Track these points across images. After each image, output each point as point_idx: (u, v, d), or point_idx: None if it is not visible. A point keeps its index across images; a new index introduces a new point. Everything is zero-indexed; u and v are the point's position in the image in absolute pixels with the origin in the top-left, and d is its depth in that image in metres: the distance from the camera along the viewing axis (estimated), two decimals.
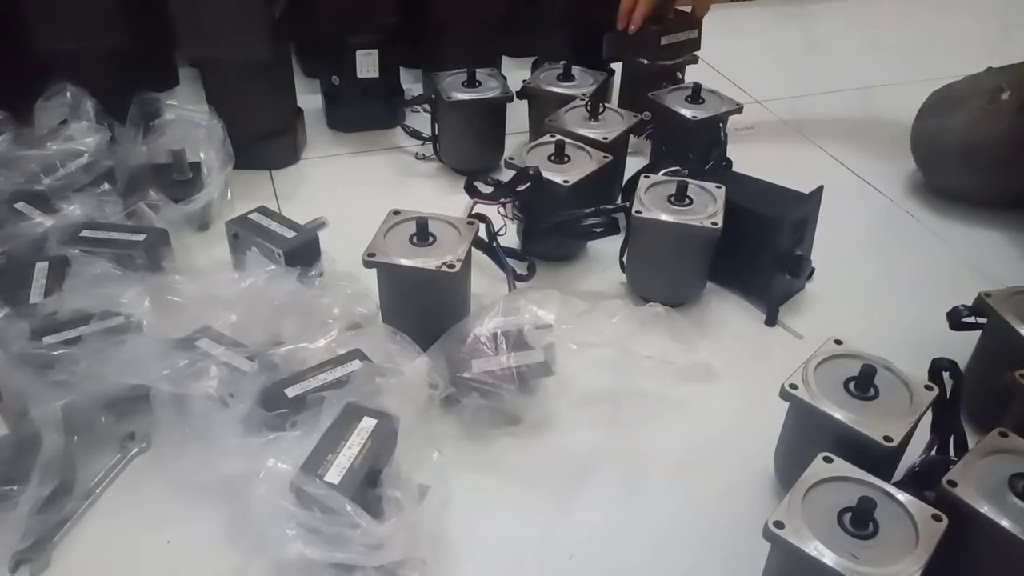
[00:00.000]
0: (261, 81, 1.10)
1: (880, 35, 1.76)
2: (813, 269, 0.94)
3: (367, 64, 1.16)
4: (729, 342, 0.87)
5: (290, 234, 0.87)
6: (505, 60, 1.37)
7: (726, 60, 1.51)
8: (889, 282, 0.99)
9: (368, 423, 0.62)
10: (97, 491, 0.68)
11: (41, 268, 0.81)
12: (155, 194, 0.95)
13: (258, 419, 0.66)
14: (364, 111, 1.23)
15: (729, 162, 1.03)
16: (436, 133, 1.15)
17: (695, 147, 1.00)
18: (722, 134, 1.03)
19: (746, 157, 1.06)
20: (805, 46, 1.71)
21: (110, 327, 0.74)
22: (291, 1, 1.11)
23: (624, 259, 0.93)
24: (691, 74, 1.21)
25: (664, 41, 1.17)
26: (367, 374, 0.67)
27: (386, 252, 0.78)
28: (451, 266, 0.77)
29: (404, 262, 0.77)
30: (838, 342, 0.69)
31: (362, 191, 1.13)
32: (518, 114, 1.16)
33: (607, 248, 0.97)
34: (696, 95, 1.07)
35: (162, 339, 0.72)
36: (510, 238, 0.95)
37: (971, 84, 1.11)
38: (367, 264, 0.78)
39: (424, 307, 0.81)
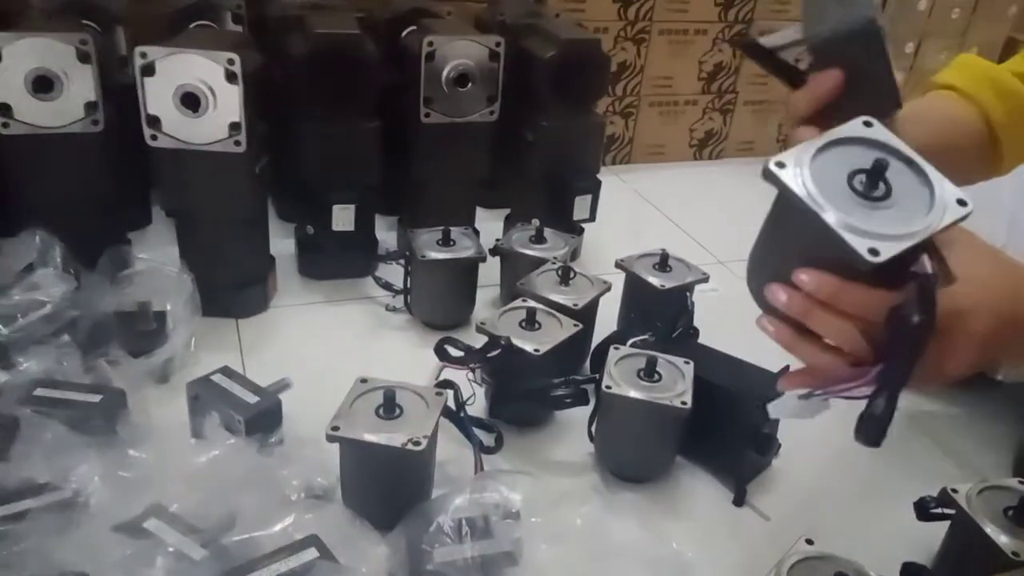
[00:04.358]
0: (237, 232, 1.10)
1: None
2: (780, 444, 0.94)
3: (343, 218, 1.18)
4: (699, 524, 0.86)
5: (252, 399, 0.85)
6: (479, 211, 1.40)
7: (690, 218, 1.56)
8: (856, 456, 0.98)
9: None
10: None
11: None
12: (116, 349, 0.93)
13: None
14: (337, 260, 1.24)
15: (696, 331, 1.04)
16: (408, 286, 1.15)
17: (663, 314, 1.02)
18: (689, 303, 1.05)
19: (711, 321, 1.07)
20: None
21: (57, 501, 0.71)
22: (272, 157, 1.13)
23: (593, 429, 0.92)
24: (657, 238, 1.23)
25: None
26: (324, 573, 0.64)
27: (351, 425, 0.77)
28: (417, 443, 0.75)
29: (368, 437, 0.76)
30: (809, 542, 0.68)
31: (330, 344, 1.12)
32: (492, 266, 1.17)
33: (575, 413, 0.96)
34: (664, 263, 1.10)
35: (110, 521, 0.68)
36: (479, 402, 0.94)
37: None
38: (330, 439, 0.76)
39: (387, 482, 0.79)
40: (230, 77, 0.97)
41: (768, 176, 0.49)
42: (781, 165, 0.49)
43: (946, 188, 0.49)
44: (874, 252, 0.46)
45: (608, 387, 0.86)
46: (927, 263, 0.48)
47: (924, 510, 0.79)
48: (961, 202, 0.49)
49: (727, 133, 1.94)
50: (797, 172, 0.49)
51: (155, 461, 0.75)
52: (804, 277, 0.50)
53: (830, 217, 0.47)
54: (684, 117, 1.88)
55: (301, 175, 1.18)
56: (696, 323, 1.05)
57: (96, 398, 0.84)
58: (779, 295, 0.52)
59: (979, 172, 0.72)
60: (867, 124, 0.51)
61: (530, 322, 0.96)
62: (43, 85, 1.00)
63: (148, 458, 0.76)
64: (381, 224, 1.34)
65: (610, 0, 1.70)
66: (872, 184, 0.49)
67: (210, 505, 0.73)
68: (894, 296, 0.49)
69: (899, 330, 0.49)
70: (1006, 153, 0.71)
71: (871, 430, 0.52)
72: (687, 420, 0.86)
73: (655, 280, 1.07)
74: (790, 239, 0.52)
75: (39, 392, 0.84)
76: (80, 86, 1.01)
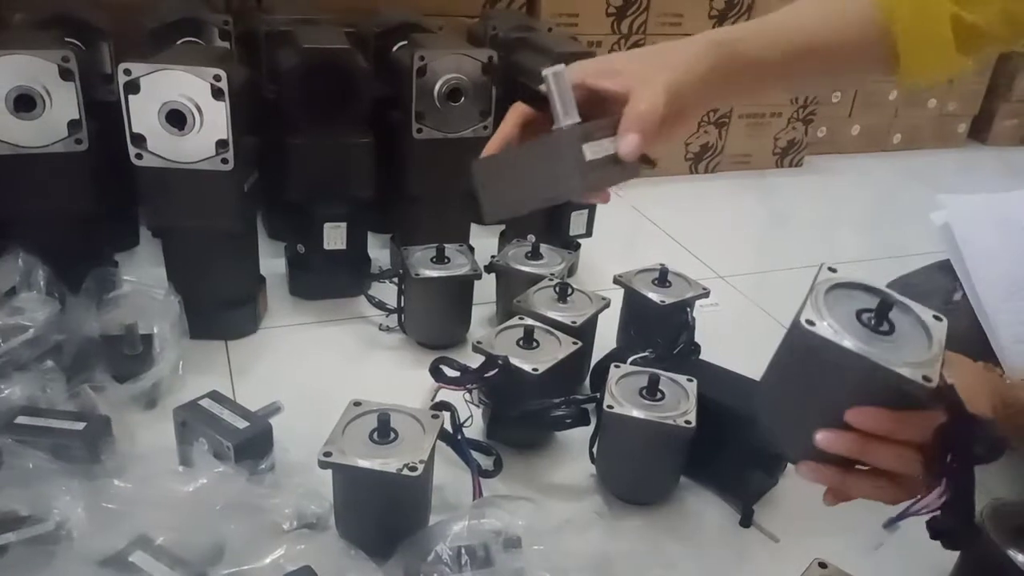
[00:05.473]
0: (225, 251, 1.08)
1: (838, 207, 1.83)
2: (786, 463, 0.92)
3: (335, 236, 1.16)
4: (706, 548, 0.83)
5: (242, 424, 0.82)
6: (474, 227, 1.38)
7: (688, 233, 1.54)
8: None
9: None
10: None
11: None
12: (101, 374, 0.90)
13: None
14: (328, 279, 1.21)
15: (697, 347, 1.02)
16: (402, 305, 1.13)
17: (663, 331, 0.99)
18: (690, 318, 1.03)
19: (712, 336, 1.05)
20: (765, 219, 1.76)
21: (38, 535, 0.68)
22: (262, 174, 1.11)
23: (594, 450, 0.90)
24: (655, 253, 1.22)
25: None
26: None
27: (344, 450, 0.74)
28: (413, 469, 0.72)
29: (362, 463, 0.73)
30: (823, 565, 0.66)
31: (322, 365, 1.09)
32: (487, 283, 1.15)
33: (576, 434, 0.94)
34: (663, 278, 1.07)
35: (94, 555, 0.65)
36: (476, 423, 0.91)
37: (926, 279, 1.11)
38: (323, 465, 0.73)
39: (383, 510, 0.76)
40: (216, 94, 0.95)
41: (806, 336, 0.51)
42: (812, 323, 0.51)
43: (923, 309, 0.54)
44: (927, 379, 0.49)
45: (610, 407, 0.83)
46: (945, 376, 0.51)
47: (937, 529, 0.76)
48: (937, 317, 0.54)
49: (722, 147, 1.93)
50: (828, 326, 0.51)
51: (141, 491, 0.73)
52: (859, 418, 0.51)
53: (882, 359, 0.49)
54: None
55: (291, 192, 1.16)
56: (697, 339, 1.03)
57: (80, 425, 0.81)
58: (834, 442, 0.53)
59: (869, 73, 0.69)
60: (832, 269, 0.56)
61: (528, 340, 0.93)
62: (25, 104, 0.97)
63: (133, 488, 0.73)
64: (374, 242, 1.32)
65: (603, 14, 1.69)
66: (880, 320, 0.52)
67: (198, 536, 0.70)
68: (939, 414, 0.52)
69: (955, 439, 0.53)
70: (904, 68, 0.65)
71: (967, 532, 0.57)
72: (691, 440, 0.84)
73: (655, 296, 1.05)
74: (829, 387, 0.54)
75: (21, 420, 0.81)
76: (63, 104, 0.99)
